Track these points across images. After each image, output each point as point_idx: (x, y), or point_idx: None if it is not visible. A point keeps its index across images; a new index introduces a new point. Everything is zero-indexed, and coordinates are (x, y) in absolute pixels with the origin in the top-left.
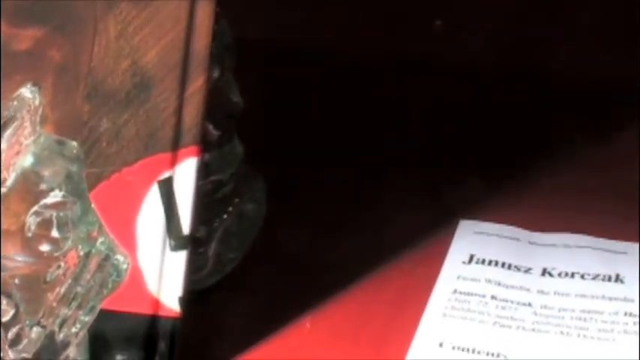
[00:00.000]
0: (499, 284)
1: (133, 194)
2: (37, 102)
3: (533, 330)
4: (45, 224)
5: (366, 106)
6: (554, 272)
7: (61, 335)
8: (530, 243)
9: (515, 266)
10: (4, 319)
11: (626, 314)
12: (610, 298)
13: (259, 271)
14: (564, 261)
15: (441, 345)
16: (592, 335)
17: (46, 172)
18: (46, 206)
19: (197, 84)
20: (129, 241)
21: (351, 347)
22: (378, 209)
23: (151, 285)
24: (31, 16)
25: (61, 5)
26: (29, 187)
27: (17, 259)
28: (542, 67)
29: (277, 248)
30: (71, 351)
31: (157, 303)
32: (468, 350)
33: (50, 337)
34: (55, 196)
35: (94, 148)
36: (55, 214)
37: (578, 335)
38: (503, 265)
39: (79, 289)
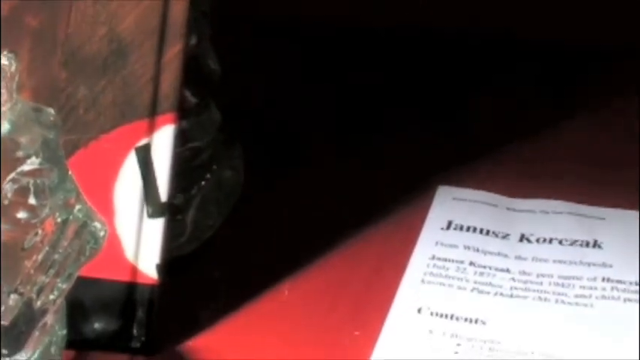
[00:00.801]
0: (477, 250)
1: (110, 161)
2: (13, 69)
3: (511, 296)
4: (22, 191)
5: (344, 75)
6: (533, 238)
7: (39, 303)
8: (509, 209)
9: (494, 232)
10: None
11: (604, 280)
12: (588, 264)
13: (237, 238)
14: (542, 227)
15: (419, 311)
16: (570, 301)
17: (23, 140)
18: (23, 173)
19: (174, 51)
20: (106, 209)
21: (330, 314)
22: (356, 176)
23: (129, 252)
24: None
25: None
26: (6, 155)
27: None
28: (519, 34)
29: (255, 215)
30: (49, 318)
31: (134, 270)
32: (446, 316)
33: (28, 304)
34: (32, 164)
35: (71, 116)
36: (32, 181)
37: (557, 301)
38: (481, 231)
39: (56, 256)
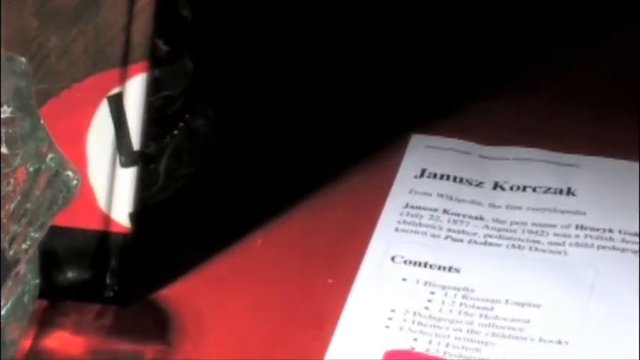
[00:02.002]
0: (451, 198)
1: (82, 110)
2: None
3: (485, 243)
4: None
5: (318, 22)
6: (506, 186)
7: (11, 252)
8: (482, 157)
9: (467, 180)
10: None
11: (577, 227)
12: (562, 211)
13: (210, 187)
14: (516, 174)
15: (393, 259)
16: (544, 248)
17: None
18: None
19: None
20: (79, 158)
21: (303, 263)
22: (329, 124)
23: (102, 201)
24: None
25: None
26: None
27: None
28: None
29: (228, 164)
30: (21, 268)
31: (107, 219)
32: (420, 264)
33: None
34: (4, 112)
35: (42, 65)
36: (3, 130)
37: (530, 248)
38: (454, 179)
39: (28, 205)
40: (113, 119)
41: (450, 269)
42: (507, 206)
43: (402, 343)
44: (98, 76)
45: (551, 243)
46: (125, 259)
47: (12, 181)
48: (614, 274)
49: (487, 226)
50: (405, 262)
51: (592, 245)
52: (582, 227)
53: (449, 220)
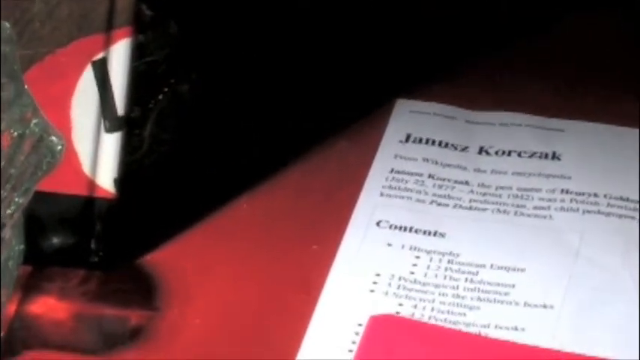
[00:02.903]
0: (436, 163)
1: (67, 76)
2: None
3: (470, 208)
4: None
5: None
6: (491, 150)
7: None
8: (467, 121)
9: (452, 145)
10: None
11: (562, 191)
12: (547, 176)
13: (195, 151)
14: (501, 139)
15: (378, 224)
16: (529, 213)
17: None
18: None
19: None
20: (64, 123)
21: (288, 228)
22: (314, 90)
23: (87, 166)
24: None
25: None
26: None
27: None
28: None
29: (214, 129)
30: (6, 233)
31: (92, 184)
32: (405, 229)
33: None
34: None
35: (26, 29)
36: None
37: (515, 213)
38: (440, 143)
39: (12, 170)
40: (97, 84)
41: (435, 234)
42: (492, 171)
43: (387, 307)
44: (82, 41)
45: (536, 207)
46: (110, 225)
47: None
48: (599, 238)
49: (472, 191)
50: (390, 226)
51: (577, 209)
52: (567, 192)
53: (434, 185)
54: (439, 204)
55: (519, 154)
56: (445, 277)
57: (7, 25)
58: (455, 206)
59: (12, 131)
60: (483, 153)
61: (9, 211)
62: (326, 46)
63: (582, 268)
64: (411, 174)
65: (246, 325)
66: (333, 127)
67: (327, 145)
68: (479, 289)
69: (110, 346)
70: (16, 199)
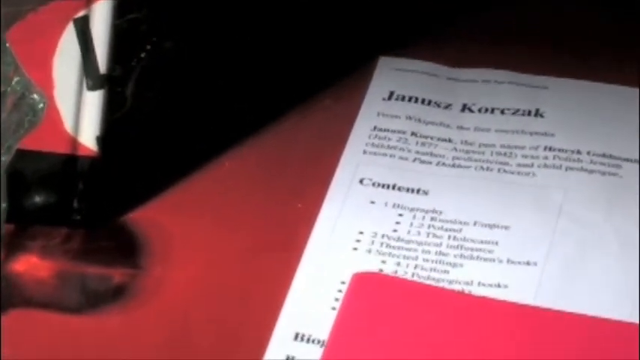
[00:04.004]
0: (419, 120)
1: (48, 34)
2: None
3: (453, 165)
4: None
5: None
6: (474, 108)
7: None
8: (450, 79)
9: (435, 102)
10: None
11: (546, 148)
12: (530, 133)
13: (178, 109)
14: (484, 96)
15: (361, 182)
16: (512, 170)
17: None
18: None
19: None
20: (46, 81)
21: (271, 186)
22: (297, 48)
23: (69, 124)
24: None
25: None
26: None
27: None
28: None
29: (196, 87)
30: None
31: (74, 142)
32: (388, 186)
33: None
34: None
35: None
36: None
37: (499, 170)
38: (423, 101)
39: None
40: (79, 42)
41: (418, 191)
42: (476, 128)
43: (370, 265)
44: None
45: (519, 165)
46: (92, 183)
47: None
48: (583, 195)
49: (455, 148)
50: (374, 184)
51: (560, 166)
52: (551, 149)
53: (417, 143)
54: (422, 161)
55: (502, 112)
56: (428, 235)
57: None
58: (438, 164)
59: None
60: (466, 110)
61: None
62: (310, 3)
63: (565, 225)
64: (394, 132)
65: (229, 283)
66: (316, 85)
67: (310, 103)
68: (462, 246)
69: (93, 304)
70: None
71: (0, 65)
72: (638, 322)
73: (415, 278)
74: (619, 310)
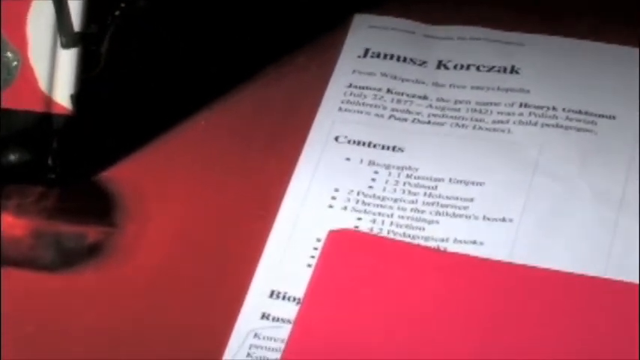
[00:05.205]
0: (394, 78)
1: None
2: None
3: (428, 122)
4: None
5: None
6: (450, 65)
7: None
8: (426, 36)
9: (411, 59)
10: None
11: (521, 105)
12: (506, 90)
13: (152, 67)
14: (460, 53)
15: (336, 139)
16: (488, 127)
17: None
18: None
19: None
20: (20, 39)
21: (247, 143)
22: (271, 4)
23: (43, 83)
24: None
25: None
26: None
27: None
28: None
29: (170, 44)
30: None
31: (49, 101)
32: (363, 144)
33: None
34: None
35: None
36: None
37: (474, 127)
38: (398, 58)
39: None
40: (53, 0)
41: (393, 148)
42: (451, 85)
43: (346, 222)
44: None
45: (495, 121)
46: (67, 141)
47: None
48: (558, 151)
49: (431, 105)
50: (349, 141)
51: (536, 123)
52: (526, 105)
53: (392, 100)
54: (397, 119)
55: (478, 68)
56: (404, 192)
57: None
58: (413, 121)
59: None
60: (442, 67)
61: None
62: None
63: (541, 181)
64: (370, 89)
65: (204, 240)
66: (292, 43)
67: (286, 61)
68: (438, 203)
69: (68, 263)
70: None
71: None
72: (606, 276)
73: (391, 235)
74: (594, 265)
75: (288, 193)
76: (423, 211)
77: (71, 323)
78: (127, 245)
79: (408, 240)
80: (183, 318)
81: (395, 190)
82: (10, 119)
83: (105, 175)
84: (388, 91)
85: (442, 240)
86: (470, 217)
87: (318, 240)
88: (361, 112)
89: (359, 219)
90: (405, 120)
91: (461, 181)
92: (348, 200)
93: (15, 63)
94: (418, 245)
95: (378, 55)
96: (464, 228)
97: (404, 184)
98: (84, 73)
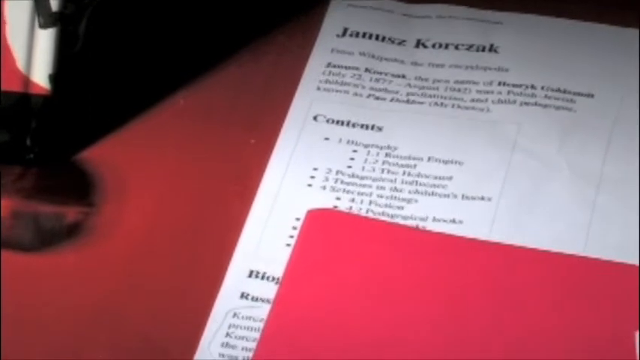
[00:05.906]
0: (373, 56)
1: None
2: None
3: (407, 101)
4: None
5: None
6: (428, 43)
7: None
8: (404, 14)
9: (389, 38)
10: None
11: (500, 84)
12: (484, 68)
13: (131, 47)
14: (438, 32)
15: (315, 118)
16: (466, 105)
17: None
18: None
19: None
20: None
21: (226, 123)
22: None
23: (21, 63)
24: None
25: None
26: None
27: None
28: None
29: (149, 24)
30: None
31: (27, 81)
32: (342, 123)
33: None
34: None
35: None
36: None
37: (453, 105)
38: (377, 37)
39: None
40: None
41: (372, 127)
42: (430, 64)
43: (325, 202)
44: None
45: (473, 100)
46: (45, 121)
47: None
48: (537, 129)
49: (409, 84)
50: (328, 120)
51: (514, 102)
52: (505, 84)
53: (371, 79)
54: (376, 98)
55: (457, 47)
56: (383, 171)
57: None
58: (392, 100)
59: None
60: (420, 46)
61: None
62: None
63: (519, 159)
64: (348, 68)
65: (183, 220)
66: (270, 22)
67: (264, 40)
68: (416, 182)
69: (47, 243)
70: None
71: None
72: (585, 254)
73: (370, 214)
74: (573, 243)
75: (267, 172)
76: (401, 190)
77: (50, 303)
78: (106, 225)
79: (387, 219)
80: (162, 298)
81: (374, 170)
82: None
83: (83, 155)
84: (367, 70)
85: (421, 219)
86: (449, 195)
87: (297, 219)
88: (340, 92)
89: (338, 198)
90: (384, 99)
91: (440, 160)
92: (327, 179)
93: None
94: (397, 224)
95: (357, 35)
96: (443, 207)
97: (383, 163)
98: (62, 53)
